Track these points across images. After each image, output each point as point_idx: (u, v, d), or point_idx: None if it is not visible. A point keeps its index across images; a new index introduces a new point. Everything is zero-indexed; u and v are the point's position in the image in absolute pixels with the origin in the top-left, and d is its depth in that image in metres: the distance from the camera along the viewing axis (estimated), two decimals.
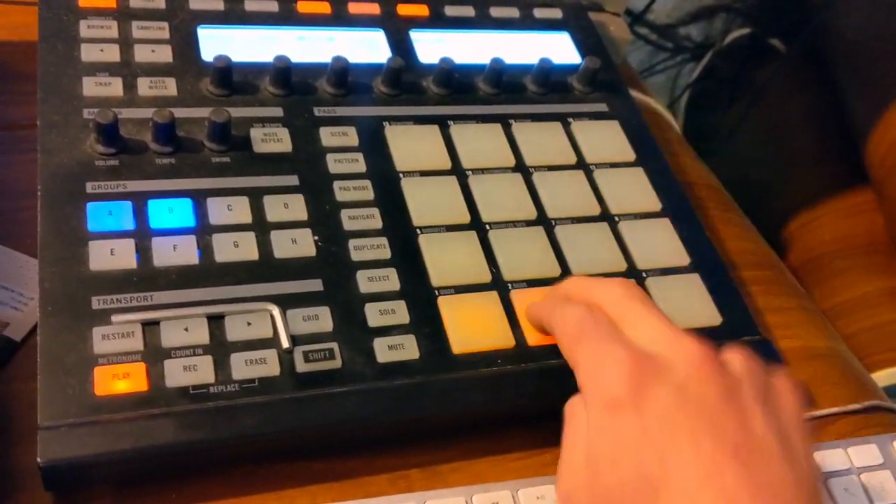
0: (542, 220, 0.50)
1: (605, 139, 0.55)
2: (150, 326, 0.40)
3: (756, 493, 0.31)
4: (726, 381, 0.35)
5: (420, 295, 0.45)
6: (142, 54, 0.50)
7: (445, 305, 0.45)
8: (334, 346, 0.42)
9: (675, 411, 0.34)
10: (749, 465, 0.32)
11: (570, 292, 0.42)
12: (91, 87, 0.48)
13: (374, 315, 0.43)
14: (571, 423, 0.37)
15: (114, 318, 0.40)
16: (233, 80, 0.50)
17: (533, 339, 0.45)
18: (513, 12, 0.61)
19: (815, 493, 0.34)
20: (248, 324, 0.41)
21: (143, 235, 0.43)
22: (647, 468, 0.33)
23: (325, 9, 0.56)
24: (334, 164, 0.49)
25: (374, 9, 0.58)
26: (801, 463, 0.34)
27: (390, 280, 0.45)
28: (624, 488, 0.33)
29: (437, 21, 0.59)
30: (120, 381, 0.38)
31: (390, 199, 0.48)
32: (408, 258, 0.46)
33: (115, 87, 0.48)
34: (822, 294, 0.93)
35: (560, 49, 0.60)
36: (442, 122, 0.53)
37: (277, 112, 0.50)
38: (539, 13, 0.61)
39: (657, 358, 0.36)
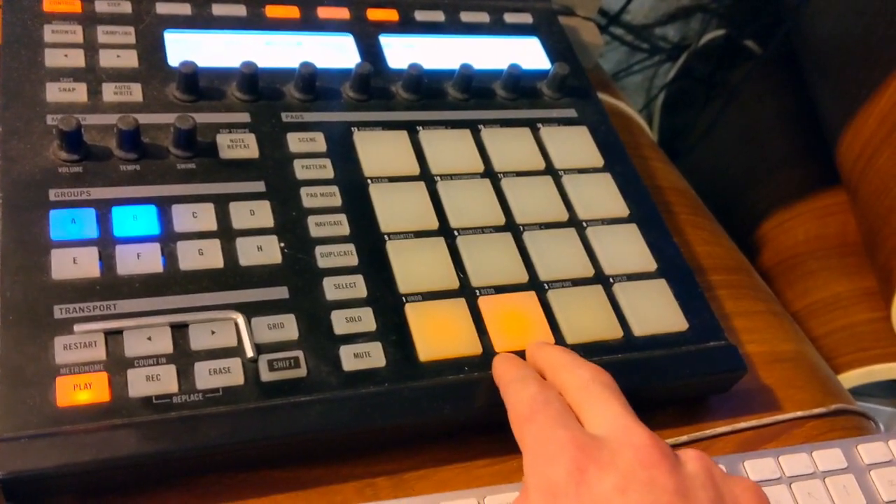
0: (511, 227, 0.50)
1: (573, 145, 0.55)
2: (112, 336, 0.40)
3: None
4: (677, 478, 0.33)
5: (387, 302, 0.45)
6: (107, 59, 0.50)
7: (412, 312, 0.45)
8: (299, 354, 0.41)
9: (617, 500, 0.32)
10: None
11: (541, 364, 0.41)
12: (55, 92, 0.48)
13: (341, 322, 0.43)
14: None
15: (76, 327, 0.39)
16: (199, 85, 0.50)
17: (500, 345, 0.45)
18: (483, 17, 0.61)
19: None
20: (213, 332, 0.41)
21: (106, 243, 0.43)
22: None
23: (294, 13, 0.56)
24: (301, 170, 0.49)
25: (344, 13, 0.57)
26: None
27: (357, 287, 0.45)
28: None
29: (407, 26, 0.59)
30: (82, 391, 0.38)
31: (358, 205, 0.48)
32: (375, 265, 0.46)
33: (80, 92, 0.48)
34: (795, 294, 0.94)
35: (530, 54, 0.60)
36: (411, 128, 0.53)
37: (244, 118, 0.50)
38: (509, 18, 0.61)
39: (604, 444, 0.34)
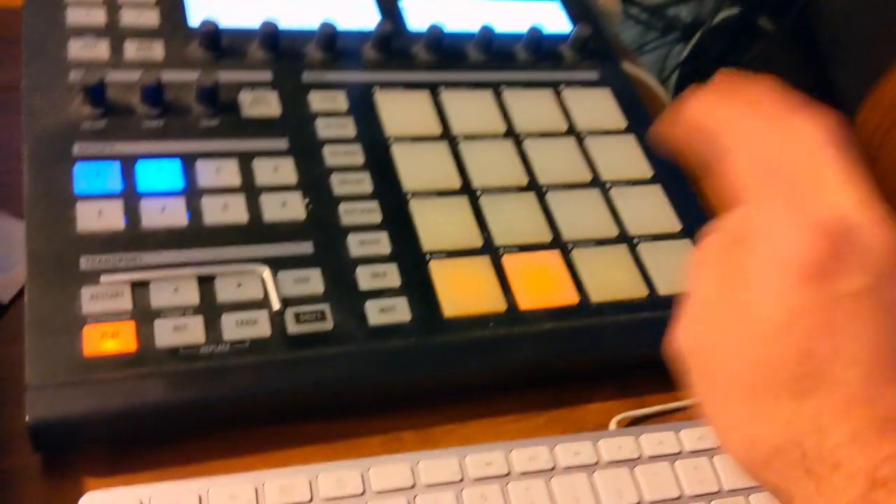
0: (534, 187, 0.50)
1: (596, 107, 0.55)
2: (139, 287, 0.40)
3: None
4: None
5: (411, 259, 0.45)
6: (128, 17, 0.50)
7: (437, 269, 0.44)
8: (325, 307, 0.41)
9: (865, 302, 0.28)
10: None
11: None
12: (76, 49, 0.47)
13: (366, 278, 0.43)
14: (705, 268, 0.30)
15: (102, 278, 0.39)
16: (221, 43, 0.50)
17: (525, 302, 0.45)
18: None
19: None
20: (239, 285, 0.41)
21: (131, 197, 0.42)
22: (814, 355, 0.28)
23: None
24: (324, 128, 0.48)
25: None
26: None
27: (381, 243, 0.45)
28: (785, 363, 0.28)
29: None
30: (109, 340, 0.38)
31: (380, 164, 0.48)
32: (398, 222, 0.46)
33: (101, 49, 0.48)
34: None
35: (551, 17, 0.60)
36: (432, 88, 0.52)
37: (266, 76, 0.50)
38: None
39: (855, 233, 0.28)
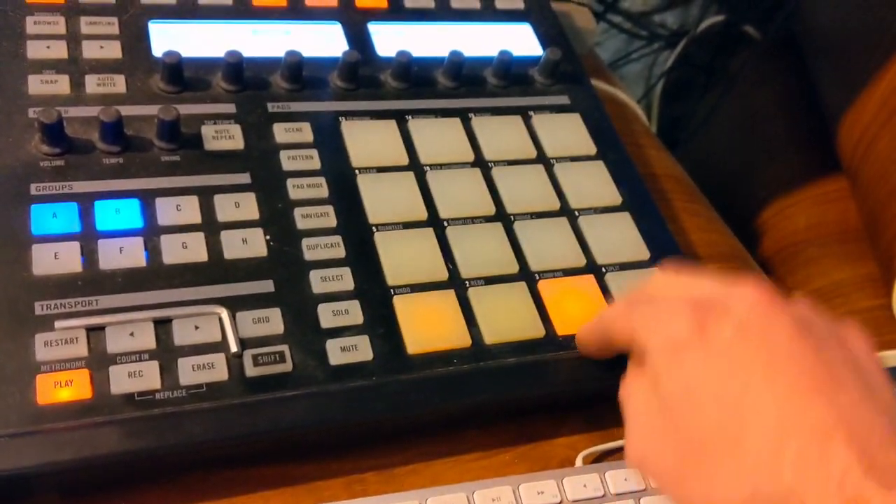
0: (501, 216, 0.49)
1: (565, 133, 0.54)
2: (94, 332, 0.39)
3: (847, 425, 0.30)
4: (792, 317, 0.34)
5: (375, 294, 0.44)
6: (90, 51, 0.49)
7: (401, 304, 0.44)
8: (285, 348, 0.41)
9: (742, 341, 0.33)
10: (833, 399, 0.31)
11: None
12: (36, 85, 0.47)
13: (327, 316, 0.42)
14: (633, 397, 0.37)
15: (57, 323, 0.39)
16: (184, 76, 0.49)
17: (490, 336, 0.44)
18: (474, 3, 0.60)
19: None
20: (196, 328, 0.40)
21: (88, 238, 0.42)
22: (725, 398, 0.32)
23: (281, 2, 0.55)
24: (288, 161, 0.48)
25: (332, 1, 0.56)
26: (886, 396, 0.32)
27: (344, 280, 0.44)
28: (705, 432, 0.32)
29: (397, 13, 0.58)
30: (63, 388, 0.37)
31: (345, 196, 0.47)
32: (363, 257, 0.45)
33: (62, 84, 0.47)
34: (796, 282, 0.93)
35: (522, 41, 0.59)
36: (400, 117, 0.52)
37: (230, 108, 0.49)
38: (500, 4, 0.60)
39: (713, 299, 0.35)
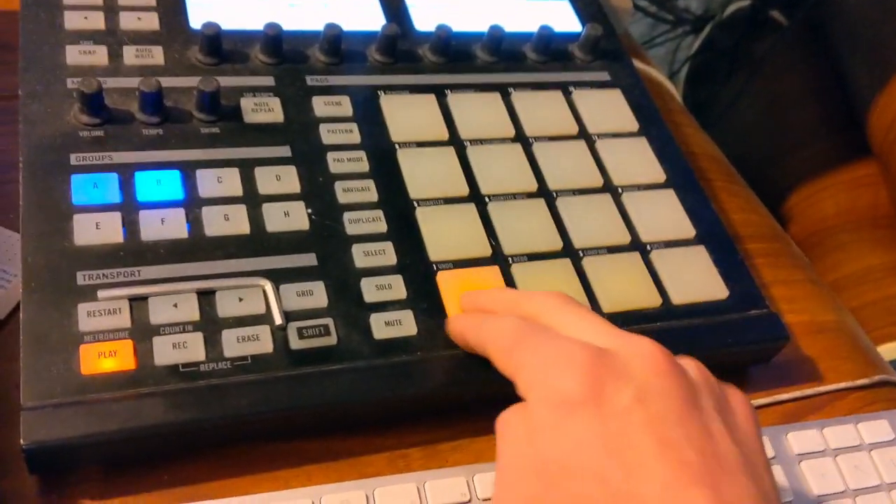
0: (543, 193, 0.48)
1: (607, 108, 0.54)
2: (137, 302, 0.39)
3: None
4: (687, 387, 0.32)
5: (417, 269, 0.43)
6: (127, 22, 0.49)
7: (444, 280, 0.43)
8: (329, 322, 0.40)
9: (637, 413, 0.30)
10: (717, 486, 0.29)
11: (495, 307, 0.39)
12: (74, 55, 0.46)
13: (371, 290, 0.42)
14: (509, 437, 0.33)
15: (100, 293, 0.38)
16: (222, 48, 0.48)
17: None
18: None
19: None
20: (240, 299, 0.40)
21: (129, 208, 0.41)
22: (609, 479, 0.30)
23: None
24: (328, 134, 0.47)
25: None
26: (764, 478, 0.31)
27: (386, 254, 0.43)
28: (580, 501, 0.30)
29: None
30: (107, 359, 0.37)
31: (386, 170, 0.47)
32: (404, 232, 0.45)
33: (100, 55, 0.47)
34: (825, 268, 0.92)
35: (560, 16, 0.58)
36: (439, 91, 0.51)
37: (268, 81, 0.48)
38: None
39: (614, 355, 0.32)
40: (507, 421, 0.33)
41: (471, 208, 0.46)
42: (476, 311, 0.41)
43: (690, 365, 0.34)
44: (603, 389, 0.31)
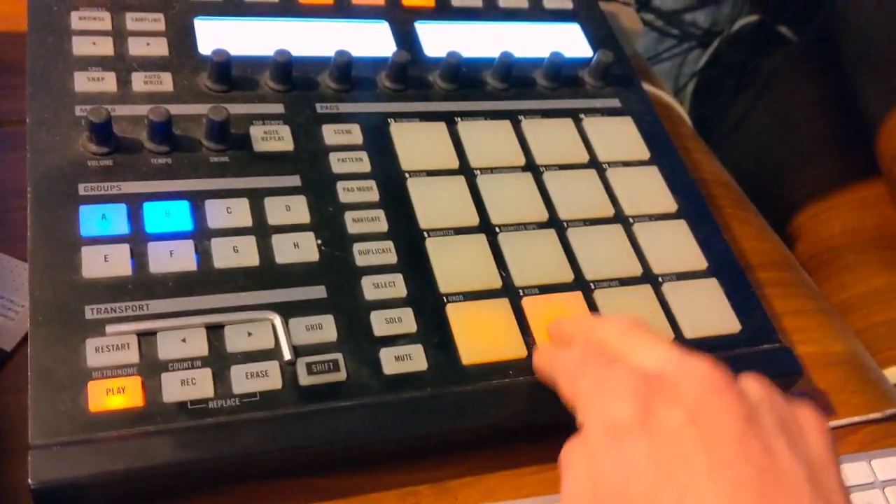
0: (554, 222, 0.48)
1: (618, 136, 0.53)
2: (146, 337, 0.38)
3: None
4: (745, 405, 0.31)
5: (427, 302, 0.43)
6: (136, 47, 0.48)
7: (454, 313, 0.43)
8: (339, 357, 0.40)
9: (688, 433, 0.30)
10: (776, 502, 0.29)
11: (573, 334, 0.40)
12: (83, 82, 0.46)
13: (380, 324, 0.41)
14: (571, 467, 0.33)
15: (108, 328, 0.38)
16: (232, 74, 0.48)
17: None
18: (522, 2, 0.59)
19: None
20: (249, 334, 0.39)
21: (138, 240, 0.41)
22: (660, 502, 0.29)
23: (328, 0, 0.54)
24: (337, 163, 0.47)
25: (378, 0, 0.55)
26: (833, 499, 0.30)
27: (396, 286, 0.43)
28: None
29: (444, 12, 0.56)
30: (115, 396, 0.36)
31: (396, 200, 0.46)
32: (414, 263, 0.44)
33: (109, 82, 0.46)
34: (832, 288, 0.91)
35: (571, 41, 0.58)
36: (449, 119, 0.51)
37: (278, 108, 0.48)
38: (549, 3, 0.59)
39: (665, 377, 0.32)
40: (568, 451, 0.34)
41: (481, 239, 0.46)
42: (557, 341, 0.41)
43: (752, 383, 0.34)
44: (653, 411, 0.31)
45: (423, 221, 0.46)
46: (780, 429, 0.31)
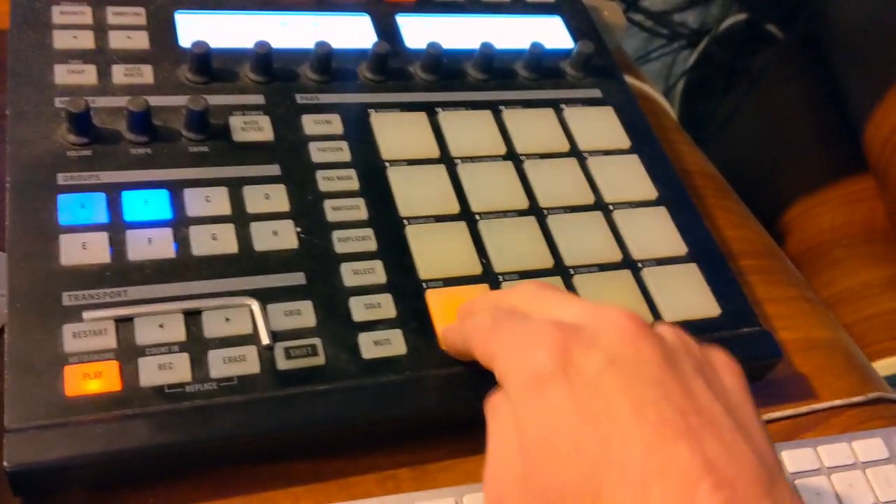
0: (534, 210, 0.48)
1: (598, 126, 0.53)
2: (123, 323, 0.38)
3: (714, 473, 0.28)
4: (662, 349, 0.32)
5: (407, 288, 0.43)
6: (117, 41, 0.48)
7: (434, 299, 0.43)
8: (317, 342, 0.40)
9: (609, 378, 0.30)
10: (700, 440, 0.29)
11: (481, 307, 0.39)
12: (63, 75, 0.46)
13: (360, 309, 0.42)
14: (495, 420, 0.33)
15: (85, 314, 0.38)
16: (212, 66, 0.48)
17: None
18: None
19: (777, 470, 0.30)
20: (227, 319, 0.39)
21: (116, 228, 0.41)
22: (586, 450, 0.29)
23: None
24: (317, 152, 0.47)
25: None
26: (756, 436, 0.30)
27: (376, 273, 0.43)
28: (565, 486, 0.29)
29: (425, 6, 0.57)
30: (91, 380, 0.36)
31: (376, 188, 0.47)
32: (394, 250, 0.44)
33: (89, 74, 0.47)
34: (821, 283, 0.92)
35: (552, 33, 0.58)
36: (430, 109, 0.51)
37: (258, 99, 0.48)
38: None
39: (581, 326, 0.32)
40: (493, 406, 0.34)
41: (461, 226, 0.46)
42: (466, 317, 0.41)
43: (667, 330, 0.34)
44: (571, 359, 0.31)
45: (404, 209, 0.46)
46: (696, 370, 0.32)
